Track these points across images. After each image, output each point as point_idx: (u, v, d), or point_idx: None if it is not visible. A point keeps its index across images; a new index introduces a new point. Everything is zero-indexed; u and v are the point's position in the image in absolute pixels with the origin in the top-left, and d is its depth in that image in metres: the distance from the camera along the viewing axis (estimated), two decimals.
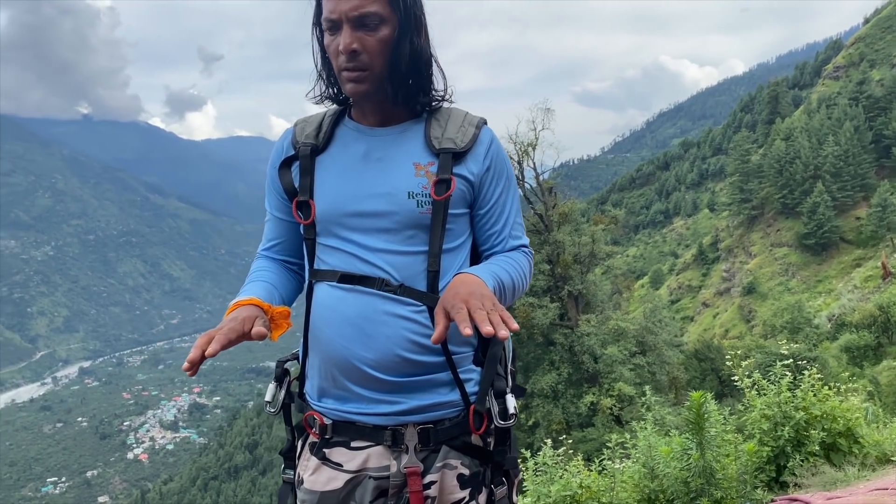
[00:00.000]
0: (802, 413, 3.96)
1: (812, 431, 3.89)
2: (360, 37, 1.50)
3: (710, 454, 3.71)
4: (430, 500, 1.54)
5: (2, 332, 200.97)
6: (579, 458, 4.53)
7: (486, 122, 1.69)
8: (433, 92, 1.64)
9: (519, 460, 4.40)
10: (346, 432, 1.57)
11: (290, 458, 1.67)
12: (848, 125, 57.43)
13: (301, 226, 1.64)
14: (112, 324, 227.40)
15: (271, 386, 1.63)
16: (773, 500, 3.61)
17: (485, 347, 1.60)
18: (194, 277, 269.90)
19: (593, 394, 21.18)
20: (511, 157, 23.62)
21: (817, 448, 3.87)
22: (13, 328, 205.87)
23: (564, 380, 21.91)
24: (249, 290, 1.61)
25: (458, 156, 1.59)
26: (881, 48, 72.85)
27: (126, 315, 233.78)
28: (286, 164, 1.67)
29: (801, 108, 75.09)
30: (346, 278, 1.54)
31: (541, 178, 24.37)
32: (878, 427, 4.49)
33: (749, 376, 4.32)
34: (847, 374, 5.83)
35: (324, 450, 1.59)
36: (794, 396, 4.08)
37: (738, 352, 4.89)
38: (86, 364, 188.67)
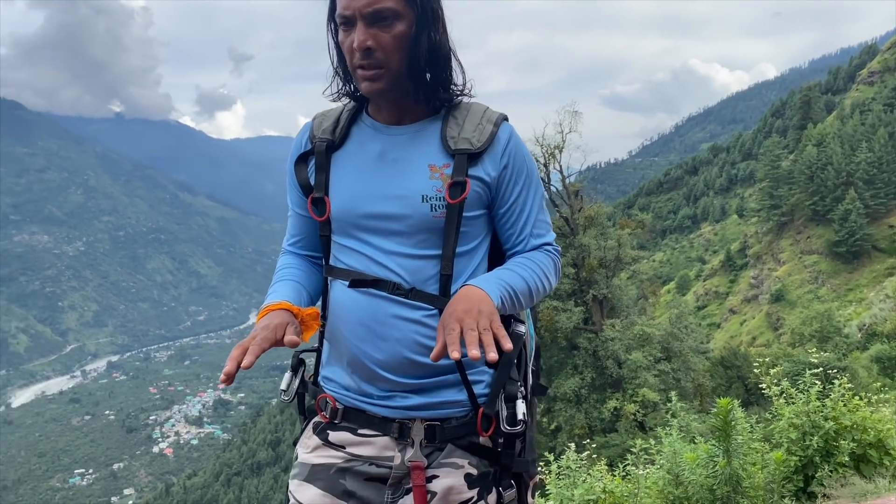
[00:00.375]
0: (832, 423, 3.89)
1: (842, 442, 3.83)
2: (374, 33, 1.47)
3: (737, 462, 3.67)
4: (430, 495, 1.53)
5: (33, 325, 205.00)
6: (603, 462, 4.50)
7: (506, 118, 1.65)
8: (452, 87, 1.60)
9: (541, 463, 4.39)
10: (355, 420, 1.59)
11: None
12: (882, 131, 56.38)
13: (317, 222, 1.65)
14: (140, 319, 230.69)
15: (287, 374, 1.64)
16: None
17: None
18: (221, 275, 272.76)
19: (617, 399, 21.03)
20: (537, 160, 23.60)
21: (847, 459, 3.80)
22: (44, 321, 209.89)
23: (588, 384, 21.78)
24: (278, 291, 1.62)
25: (475, 156, 1.56)
26: None
27: (154, 311, 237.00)
28: (302, 159, 1.67)
29: (833, 114, 73.88)
30: (358, 282, 1.55)
31: (567, 180, 24.28)
32: None
33: (777, 384, 4.26)
34: (878, 384, 5.71)
35: (328, 431, 1.61)
36: (823, 406, 4.01)
37: (766, 359, 4.83)
38: (114, 358, 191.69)
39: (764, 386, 4.35)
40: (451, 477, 1.53)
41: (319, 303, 1.70)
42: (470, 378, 1.55)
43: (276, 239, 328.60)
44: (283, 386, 1.63)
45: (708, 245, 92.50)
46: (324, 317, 1.65)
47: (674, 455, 4.03)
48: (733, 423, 3.74)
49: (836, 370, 4.94)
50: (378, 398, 1.56)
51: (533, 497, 1.66)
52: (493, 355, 1.21)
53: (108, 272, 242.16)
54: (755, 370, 4.72)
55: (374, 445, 1.57)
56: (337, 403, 1.61)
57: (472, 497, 1.54)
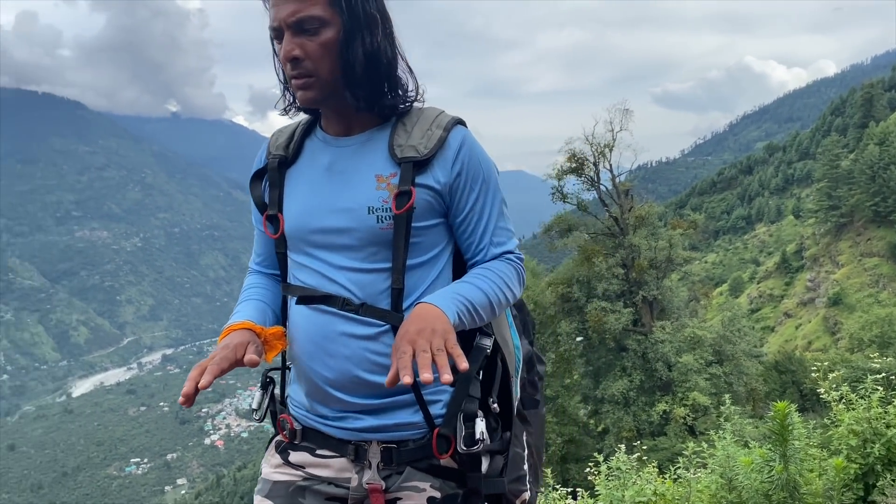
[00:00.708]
0: (894, 430, 3.76)
1: None
2: (301, 42, 1.43)
3: (794, 467, 3.58)
4: None
5: (93, 318, 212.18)
6: (653, 464, 4.44)
7: (460, 122, 1.57)
8: (399, 94, 1.53)
9: (590, 464, 4.36)
10: (313, 440, 1.57)
11: None
12: None
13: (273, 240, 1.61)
14: (193, 314, 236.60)
15: (257, 394, 1.63)
16: None
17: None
18: None
19: (666, 402, 20.68)
20: (587, 159, 23.38)
21: None
22: (103, 315, 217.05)
23: (636, 387, 21.47)
24: (242, 311, 1.60)
25: (422, 164, 1.48)
26: None
27: (207, 306, 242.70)
28: (258, 176, 1.65)
29: None
30: (306, 299, 1.52)
31: (617, 180, 23.95)
32: None
33: (836, 389, 4.14)
34: None
35: (289, 451, 1.60)
36: (885, 413, 3.88)
37: (824, 364, 4.69)
38: (168, 351, 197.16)
39: (822, 391, 4.23)
40: (412, 501, 1.48)
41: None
42: (427, 398, 1.49)
43: None
44: (254, 405, 1.62)
45: (763, 246, 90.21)
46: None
47: (727, 459, 3.95)
48: (790, 427, 3.65)
49: None
50: (332, 419, 1.53)
51: None
52: (447, 377, 1.16)
53: (163, 267, 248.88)
54: (812, 375, 4.60)
55: (332, 467, 1.55)
56: (295, 423, 1.60)
57: None
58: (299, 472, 1.57)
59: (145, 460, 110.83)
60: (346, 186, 1.51)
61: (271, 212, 1.59)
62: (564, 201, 23.85)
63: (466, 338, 1.52)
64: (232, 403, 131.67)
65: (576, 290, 22.64)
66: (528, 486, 1.64)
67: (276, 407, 1.65)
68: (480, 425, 1.44)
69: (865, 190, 56.11)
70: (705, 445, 4.49)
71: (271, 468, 1.61)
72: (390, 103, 1.52)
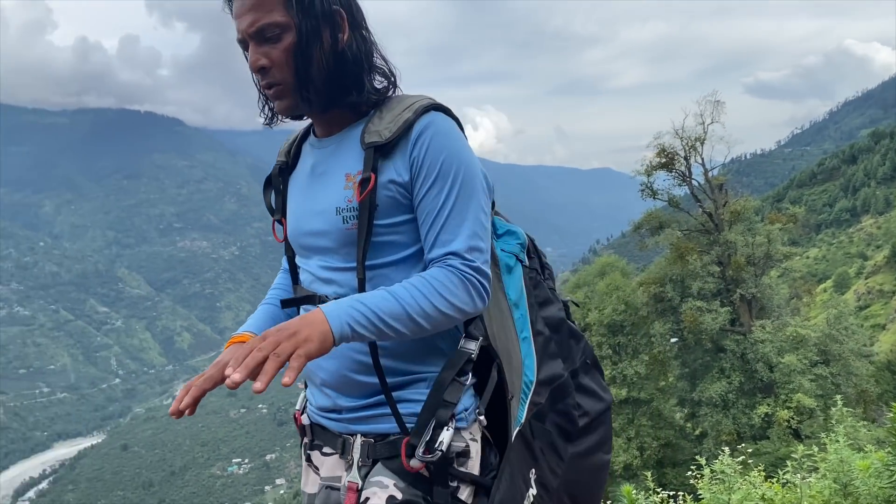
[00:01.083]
0: None
1: None
2: (266, 51, 1.41)
3: None
4: None
5: (195, 324, 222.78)
6: (760, 468, 4.24)
7: (436, 108, 1.46)
8: (373, 87, 1.48)
9: (692, 467, 4.21)
10: (320, 436, 1.57)
11: None
12: None
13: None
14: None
15: (301, 394, 1.68)
16: None
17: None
18: None
19: (768, 405, 19.78)
20: (677, 153, 22.70)
21: None
22: (205, 321, 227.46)
23: (735, 389, 20.64)
24: (252, 318, 1.64)
25: (385, 150, 1.42)
26: None
27: None
28: (268, 183, 1.68)
29: None
30: (287, 301, 1.51)
31: (710, 174, 23.12)
32: None
33: None
34: None
35: (308, 451, 1.62)
36: None
37: None
38: None
39: None
40: (375, 497, 1.40)
41: None
42: (406, 397, 1.44)
43: None
44: (297, 406, 1.66)
45: (870, 239, 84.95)
46: None
47: (841, 464, 3.73)
48: None
49: None
50: (328, 411, 1.54)
51: None
52: (258, 385, 1.11)
53: (259, 274, 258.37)
54: None
55: (327, 465, 1.55)
56: (304, 419, 1.63)
57: None
58: (317, 478, 1.58)
59: (246, 460, 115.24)
60: (322, 189, 1.51)
61: (277, 217, 1.64)
62: (654, 198, 23.26)
63: (453, 338, 1.47)
64: None
65: (669, 290, 22.00)
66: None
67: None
68: (446, 435, 1.36)
69: None
70: (816, 449, 4.27)
71: (304, 476, 1.64)
72: (364, 99, 1.48)
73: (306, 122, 1.63)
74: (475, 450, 1.45)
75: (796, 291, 25.23)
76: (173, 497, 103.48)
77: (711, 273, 21.46)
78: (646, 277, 23.70)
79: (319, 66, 1.42)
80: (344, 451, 1.50)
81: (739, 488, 3.89)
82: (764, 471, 4.43)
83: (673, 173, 23.07)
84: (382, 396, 1.44)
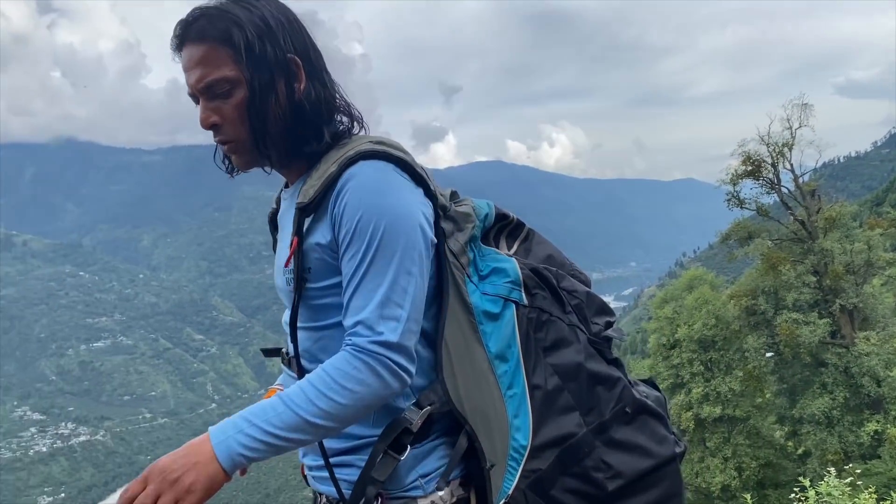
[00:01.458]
0: None
1: None
2: (216, 107, 1.34)
3: None
4: None
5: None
6: (871, 490, 3.99)
7: (367, 155, 1.31)
8: (326, 139, 1.39)
9: (795, 489, 3.99)
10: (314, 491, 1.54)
11: None
12: None
13: None
14: None
15: None
16: None
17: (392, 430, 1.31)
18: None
19: (877, 421, 18.59)
20: (764, 160, 21.87)
21: None
22: None
23: (840, 405, 19.52)
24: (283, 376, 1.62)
25: (312, 212, 1.33)
26: None
27: None
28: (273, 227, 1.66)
29: None
30: (265, 351, 1.52)
31: (800, 180, 22.14)
32: None
33: None
34: None
35: None
36: None
37: None
38: None
39: None
40: None
41: None
42: (353, 462, 1.36)
43: None
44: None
45: None
46: None
47: None
48: None
49: None
50: (306, 466, 1.51)
51: None
52: None
53: None
54: None
55: None
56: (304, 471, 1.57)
57: None
58: None
59: None
60: (281, 243, 1.48)
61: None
62: (742, 207, 22.45)
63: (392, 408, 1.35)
64: None
65: (762, 302, 21.11)
66: None
67: None
68: None
69: None
70: None
71: None
72: (321, 148, 1.38)
73: None
74: None
75: None
76: None
77: (807, 283, 20.46)
78: (736, 290, 22.86)
79: (275, 119, 1.34)
80: None
81: None
82: (876, 493, 4.16)
83: (760, 181, 22.23)
84: (340, 457, 1.37)
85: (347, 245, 1.28)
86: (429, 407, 1.32)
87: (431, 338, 1.36)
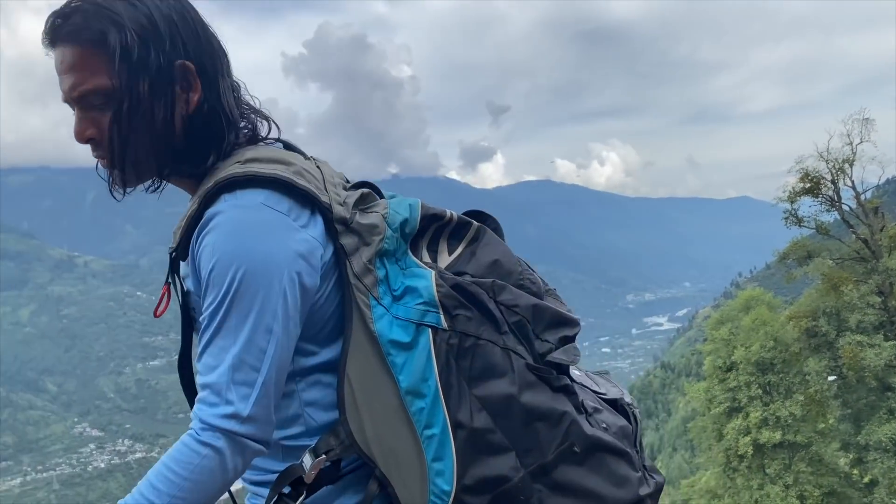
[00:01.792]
0: None
1: None
2: (93, 120, 1.18)
3: None
4: None
5: None
6: None
7: (232, 186, 1.14)
8: (209, 161, 1.23)
9: None
10: None
11: None
12: None
13: None
14: None
15: None
16: None
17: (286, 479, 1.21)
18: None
19: None
20: (823, 177, 21.23)
21: None
22: None
23: None
24: None
25: (181, 255, 1.21)
26: None
27: None
28: None
29: None
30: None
31: (862, 197, 21.41)
32: None
33: None
34: None
35: None
36: None
37: None
38: None
39: None
40: None
41: None
42: (263, 493, 1.26)
43: None
44: None
45: None
46: None
47: None
48: None
49: None
50: None
51: None
52: None
53: None
54: None
55: None
56: None
57: None
58: None
59: None
60: None
61: None
62: (800, 225, 21.81)
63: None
64: None
65: (823, 324, 20.39)
66: None
67: None
68: None
69: None
70: None
71: None
72: (198, 171, 1.23)
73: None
74: None
75: None
76: None
77: (871, 304, 19.68)
78: (796, 311, 22.16)
79: (159, 133, 1.19)
80: None
81: None
82: None
83: (819, 199, 21.57)
84: (253, 487, 1.29)
85: (204, 294, 1.14)
86: (323, 456, 1.18)
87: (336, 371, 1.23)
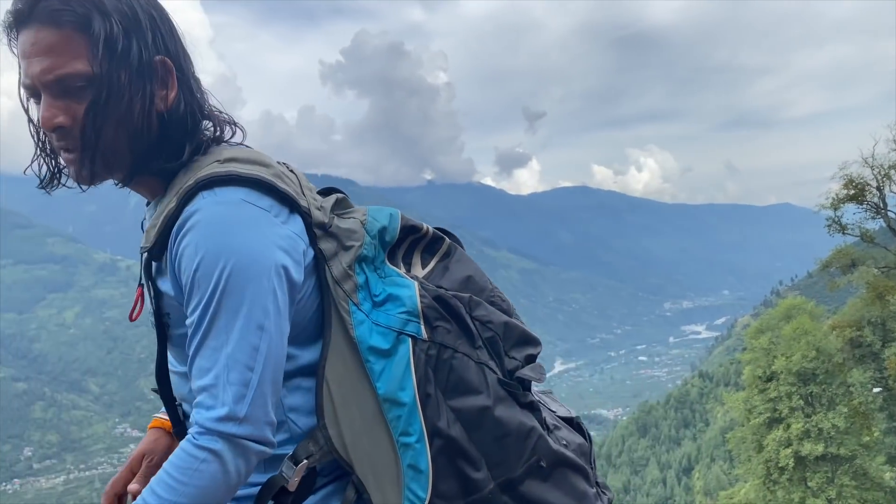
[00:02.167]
0: None
1: None
2: (65, 107, 1.12)
3: None
4: None
5: None
6: None
7: (211, 184, 1.12)
8: (184, 156, 1.20)
9: None
10: None
11: None
12: None
13: None
14: None
15: None
16: None
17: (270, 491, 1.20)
18: (525, 324, 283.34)
19: None
20: (868, 183, 20.71)
21: None
22: None
23: None
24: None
25: (156, 255, 1.17)
26: None
27: None
28: None
29: None
30: (155, 390, 1.36)
31: None
32: None
33: None
34: None
35: None
36: None
37: None
38: None
39: None
40: None
41: None
42: None
43: (574, 288, 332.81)
44: None
45: None
46: None
47: None
48: None
49: None
50: None
51: None
52: None
53: None
54: None
55: None
56: None
57: None
58: None
59: None
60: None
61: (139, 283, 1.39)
62: (843, 233, 21.29)
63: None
64: None
65: (868, 334, 19.87)
66: None
67: None
68: None
69: None
70: None
71: None
72: (171, 167, 1.20)
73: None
74: None
75: None
76: None
77: None
78: (839, 320, 21.63)
79: (134, 128, 1.16)
80: None
81: None
82: None
83: (864, 205, 21.04)
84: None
85: (189, 295, 1.11)
86: (305, 461, 1.18)
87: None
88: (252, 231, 1.11)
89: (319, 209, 1.24)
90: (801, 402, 20.33)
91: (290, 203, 1.18)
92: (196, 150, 1.21)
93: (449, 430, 1.20)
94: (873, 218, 21.25)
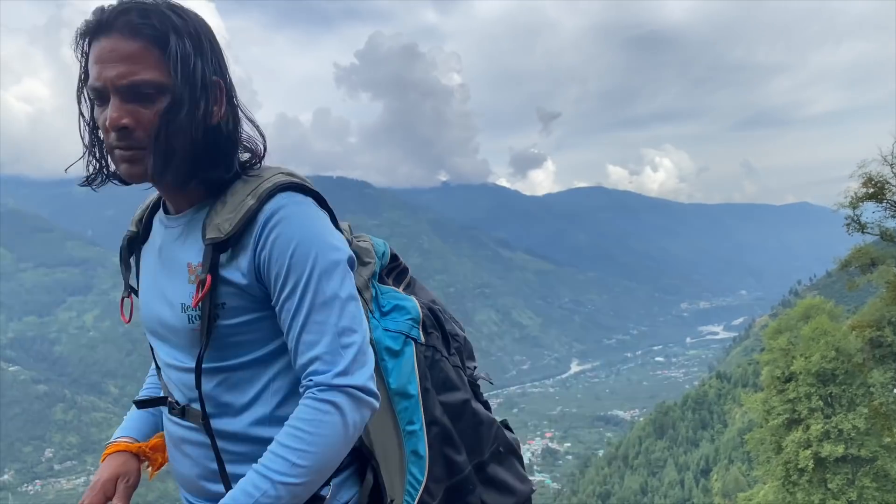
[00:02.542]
0: None
1: None
2: (133, 110, 1.23)
3: None
4: None
5: None
6: None
7: (285, 188, 1.30)
8: (235, 167, 1.34)
9: None
10: None
11: None
12: None
13: None
14: None
15: None
16: None
17: None
18: (541, 325, 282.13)
19: None
20: (888, 182, 20.46)
21: None
22: None
23: None
24: (127, 420, 1.56)
25: (227, 248, 1.27)
26: None
27: (482, 360, 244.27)
28: (123, 253, 1.54)
29: None
30: (141, 402, 1.45)
31: None
32: None
33: None
34: None
35: None
36: None
37: None
38: None
39: None
40: None
41: None
42: None
43: (590, 289, 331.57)
44: None
45: None
46: None
47: None
48: None
49: None
50: None
51: None
52: None
53: None
54: None
55: None
56: None
57: None
58: None
59: None
60: (170, 276, 1.38)
61: (124, 294, 1.48)
62: (863, 232, 21.04)
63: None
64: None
65: (888, 334, 19.63)
66: None
67: None
68: None
69: None
70: None
71: None
72: (224, 177, 1.33)
73: (144, 187, 1.40)
74: None
75: None
76: None
77: None
78: (859, 320, 21.39)
79: (193, 137, 1.28)
80: None
81: None
82: None
83: (884, 204, 20.79)
84: None
85: (284, 280, 1.26)
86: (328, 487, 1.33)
87: None
88: (329, 227, 1.33)
89: (344, 230, 1.47)
90: (821, 402, 20.14)
91: (332, 219, 1.41)
92: (244, 166, 1.37)
93: (443, 420, 1.46)
94: (893, 216, 21.00)
